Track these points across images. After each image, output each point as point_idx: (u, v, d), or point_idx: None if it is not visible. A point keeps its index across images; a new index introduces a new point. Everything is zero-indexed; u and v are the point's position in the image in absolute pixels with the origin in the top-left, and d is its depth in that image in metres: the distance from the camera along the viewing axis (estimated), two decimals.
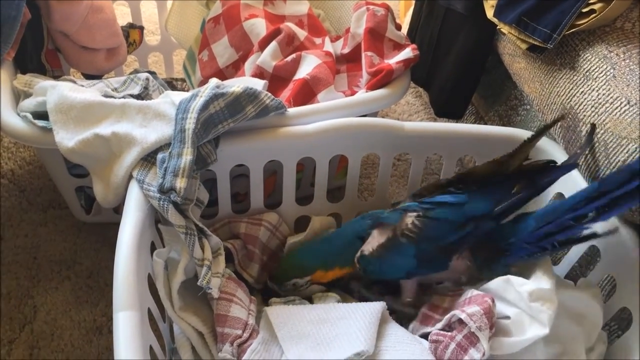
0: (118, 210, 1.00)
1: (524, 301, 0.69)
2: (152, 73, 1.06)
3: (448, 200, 0.77)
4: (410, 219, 0.78)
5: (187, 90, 1.23)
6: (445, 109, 1.14)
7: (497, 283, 0.73)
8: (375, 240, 0.81)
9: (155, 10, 1.30)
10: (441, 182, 0.82)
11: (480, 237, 0.76)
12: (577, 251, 0.82)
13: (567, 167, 0.77)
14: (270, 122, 0.86)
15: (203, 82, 1.15)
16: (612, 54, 0.77)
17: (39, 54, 1.05)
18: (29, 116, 0.85)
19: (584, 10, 0.79)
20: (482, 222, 0.75)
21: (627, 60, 0.75)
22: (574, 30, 0.80)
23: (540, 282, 0.71)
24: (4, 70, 0.93)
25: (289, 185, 0.92)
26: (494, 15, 0.91)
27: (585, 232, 0.70)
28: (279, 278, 0.86)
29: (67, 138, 0.82)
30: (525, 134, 0.90)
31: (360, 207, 0.98)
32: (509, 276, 0.72)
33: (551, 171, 0.76)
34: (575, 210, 0.69)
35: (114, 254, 0.68)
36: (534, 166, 0.78)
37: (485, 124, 1.16)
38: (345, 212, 0.98)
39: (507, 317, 0.70)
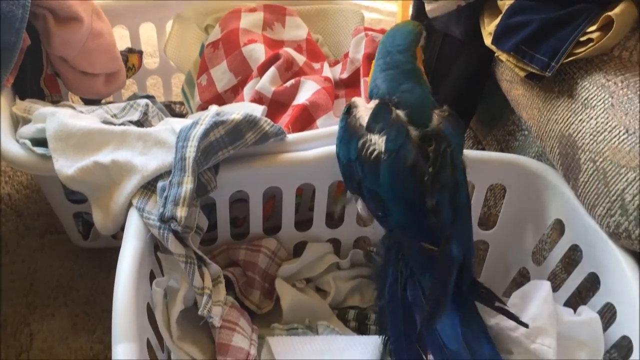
0: (116, 235, 1.00)
1: (523, 346, 0.69)
2: (151, 97, 1.06)
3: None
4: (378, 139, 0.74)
5: (186, 114, 1.24)
6: None
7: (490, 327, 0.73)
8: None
9: (153, 33, 1.30)
10: None
11: None
12: (576, 278, 0.82)
13: None
14: (269, 148, 0.86)
15: (202, 106, 1.15)
16: (610, 82, 0.77)
17: (38, 79, 1.05)
18: (28, 143, 0.84)
19: (582, 39, 0.79)
20: None
21: (625, 89, 0.75)
22: (571, 58, 0.80)
23: (534, 311, 0.71)
24: (3, 97, 0.92)
25: (289, 212, 0.92)
26: (492, 43, 0.91)
27: None
28: None
29: (66, 166, 0.81)
30: (524, 160, 0.91)
31: (360, 233, 0.97)
32: (498, 322, 0.72)
33: None
34: None
35: (111, 280, 0.68)
36: None
37: (484, 148, 1.16)
38: (345, 238, 0.97)
39: (510, 352, 0.70)
